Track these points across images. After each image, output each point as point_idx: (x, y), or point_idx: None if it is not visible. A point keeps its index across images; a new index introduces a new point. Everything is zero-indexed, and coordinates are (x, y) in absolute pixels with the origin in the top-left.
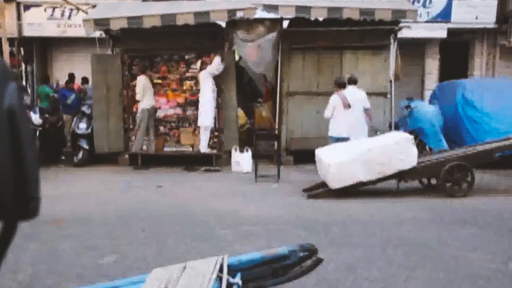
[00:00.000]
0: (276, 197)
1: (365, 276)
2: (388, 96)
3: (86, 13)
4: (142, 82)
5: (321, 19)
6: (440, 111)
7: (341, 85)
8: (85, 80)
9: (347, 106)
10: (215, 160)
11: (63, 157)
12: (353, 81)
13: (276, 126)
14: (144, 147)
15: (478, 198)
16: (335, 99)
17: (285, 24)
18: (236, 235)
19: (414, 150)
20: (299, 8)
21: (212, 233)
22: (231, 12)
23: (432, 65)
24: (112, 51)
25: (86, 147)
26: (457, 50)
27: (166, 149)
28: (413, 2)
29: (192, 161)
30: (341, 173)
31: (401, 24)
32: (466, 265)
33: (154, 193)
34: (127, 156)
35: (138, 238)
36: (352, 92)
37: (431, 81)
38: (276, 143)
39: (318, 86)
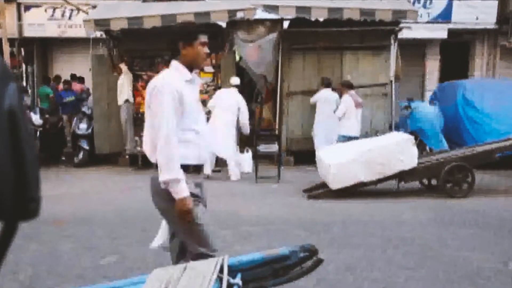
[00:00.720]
0: (277, 198)
1: (365, 276)
2: (388, 96)
3: (87, 13)
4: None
5: (321, 19)
6: (441, 112)
7: (349, 86)
8: (81, 80)
9: (360, 105)
10: (216, 160)
11: (63, 158)
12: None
13: (277, 127)
14: (138, 148)
15: (478, 199)
16: (348, 100)
17: (286, 24)
18: (236, 236)
19: (415, 151)
20: (299, 9)
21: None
22: (232, 12)
23: (433, 66)
24: (111, 52)
25: (87, 147)
26: (457, 51)
27: None
28: (413, 3)
29: None
30: (341, 174)
31: (401, 25)
32: (466, 265)
33: None
34: (127, 156)
35: (138, 238)
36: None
37: (432, 82)
38: (276, 143)
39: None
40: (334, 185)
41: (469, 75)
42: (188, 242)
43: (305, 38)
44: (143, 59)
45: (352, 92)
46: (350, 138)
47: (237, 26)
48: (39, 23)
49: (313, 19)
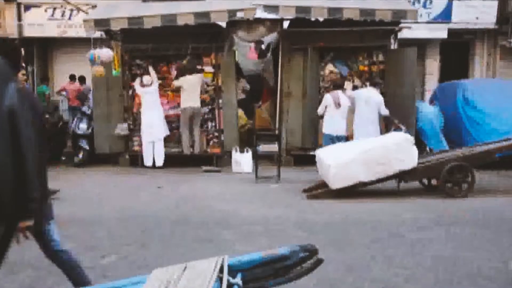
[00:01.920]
0: (277, 198)
1: (365, 276)
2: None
3: (87, 13)
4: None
5: (321, 19)
6: (441, 112)
7: (336, 86)
8: (82, 80)
9: (338, 105)
10: (216, 161)
11: (63, 158)
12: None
13: (277, 126)
14: (190, 150)
15: (478, 199)
16: (327, 98)
17: (285, 24)
18: (236, 236)
19: (415, 151)
20: (299, 9)
21: (212, 234)
22: (231, 12)
23: (433, 66)
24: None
25: (87, 147)
26: (457, 51)
27: (166, 149)
28: (413, 3)
29: (193, 162)
30: (341, 173)
31: (401, 25)
32: (466, 265)
33: (154, 194)
34: (127, 156)
35: (138, 238)
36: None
37: (432, 82)
38: (276, 143)
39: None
40: (334, 185)
41: (469, 75)
42: None
43: (305, 38)
44: (143, 59)
45: (338, 92)
46: (338, 138)
47: (237, 26)
48: (39, 23)
49: (313, 19)
